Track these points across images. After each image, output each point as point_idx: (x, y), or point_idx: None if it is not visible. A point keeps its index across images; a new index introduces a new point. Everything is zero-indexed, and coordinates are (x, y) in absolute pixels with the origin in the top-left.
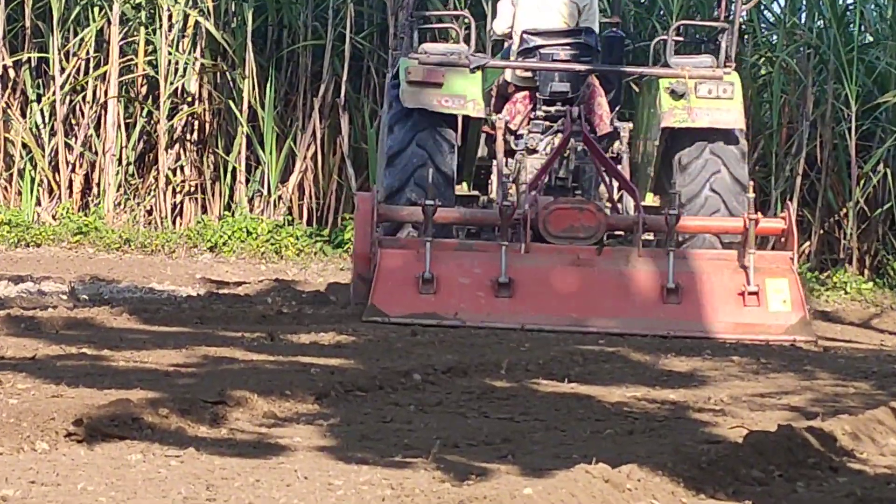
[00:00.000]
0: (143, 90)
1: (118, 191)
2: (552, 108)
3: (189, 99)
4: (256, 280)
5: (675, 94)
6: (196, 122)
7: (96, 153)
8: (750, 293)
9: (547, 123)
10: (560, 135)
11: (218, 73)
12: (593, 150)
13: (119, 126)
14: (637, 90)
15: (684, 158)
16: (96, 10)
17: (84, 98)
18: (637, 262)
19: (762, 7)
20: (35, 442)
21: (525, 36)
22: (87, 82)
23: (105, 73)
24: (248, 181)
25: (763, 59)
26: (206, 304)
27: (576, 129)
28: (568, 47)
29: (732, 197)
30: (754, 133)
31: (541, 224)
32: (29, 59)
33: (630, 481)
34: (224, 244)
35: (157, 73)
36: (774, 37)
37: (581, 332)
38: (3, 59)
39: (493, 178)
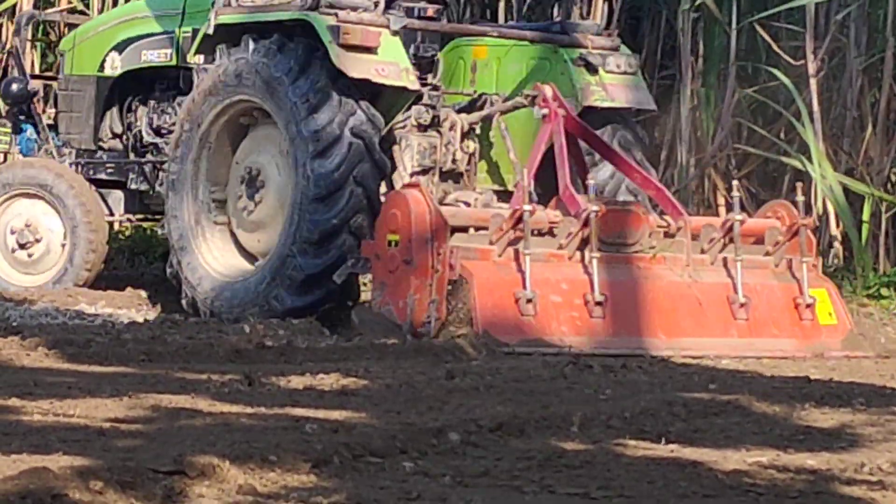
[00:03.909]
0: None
1: None
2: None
3: None
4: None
5: (591, 67)
6: None
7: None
8: (806, 305)
9: None
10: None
11: None
12: (587, 135)
13: None
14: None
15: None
16: None
17: None
18: (702, 274)
19: None
20: None
21: None
22: None
23: (14, 5)
24: None
25: None
26: (158, 333)
27: (561, 112)
28: (432, 2)
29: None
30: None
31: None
32: None
33: None
34: None
35: (88, 7)
36: None
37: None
38: None
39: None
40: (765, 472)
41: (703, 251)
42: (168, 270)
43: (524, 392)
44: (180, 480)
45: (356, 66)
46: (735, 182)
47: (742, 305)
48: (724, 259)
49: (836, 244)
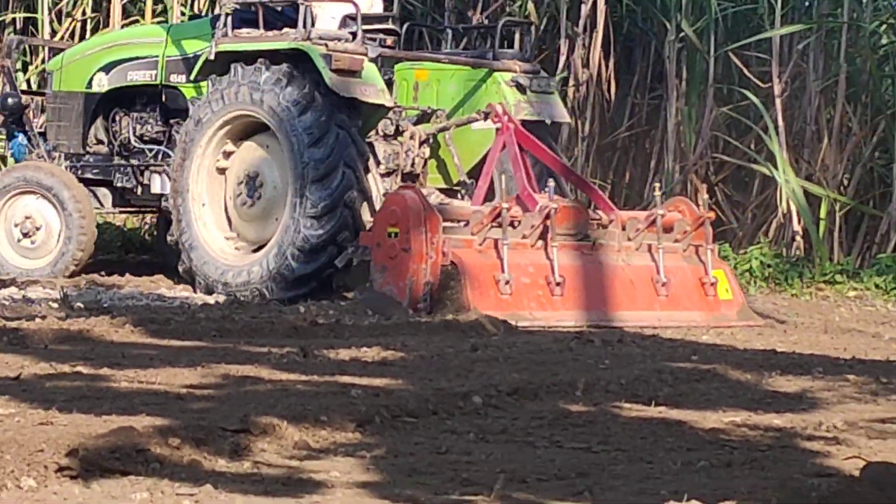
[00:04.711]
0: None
1: None
2: None
3: None
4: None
5: (521, 88)
6: None
7: None
8: (710, 284)
9: None
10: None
11: None
12: (532, 144)
13: None
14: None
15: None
16: None
17: None
18: (632, 258)
19: None
20: (21, 478)
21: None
22: None
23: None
24: None
25: (884, 25)
26: (227, 313)
27: (511, 126)
28: (388, 34)
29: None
30: (873, 113)
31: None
32: (14, 20)
33: None
34: None
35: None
36: None
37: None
38: None
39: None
40: (738, 430)
41: (629, 239)
42: (169, 238)
43: (536, 362)
44: (245, 437)
45: (345, 88)
46: (657, 184)
47: (664, 284)
48: (648, 245)
49: (798, 238)
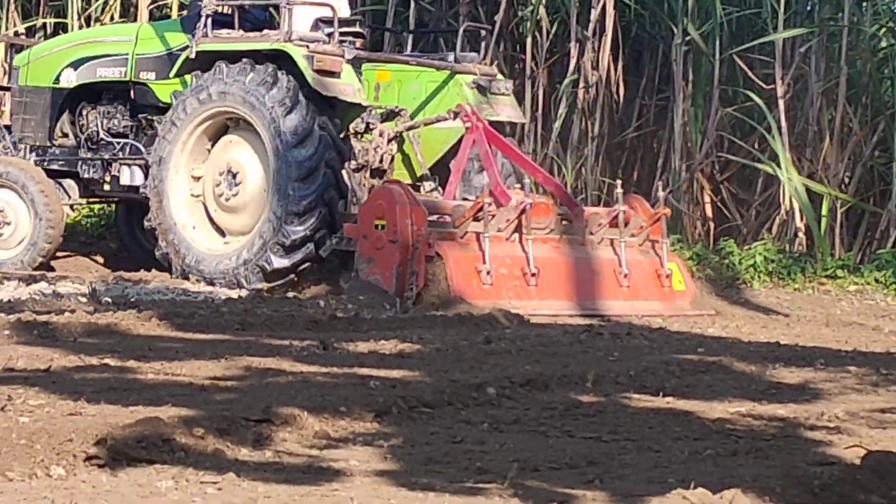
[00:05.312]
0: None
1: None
2: None
3: None
4: (306, 279)
5: (481, 90)
6: None
7: None
8: (666, 276)
9: None
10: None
11: None
12: (499, 143)
13: None
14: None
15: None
16: None
17: None
18: (596, 251)
19: None
20: (50, 466)
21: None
22: None
23: None
24: None
25: (883, 29)
26: (249, 307)
27: (480, 125)
28: (356, 37)
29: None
30: (873, 114)
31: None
32: (44, 24)
33: None
34: None
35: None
36: None
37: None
38: (15, 25)
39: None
40: (743, 420)
41: (591, 233)
42: (146, 224)
43: (548, 354)
44: (267, 427)
45: (326, 87)
46: (619, 181)
47: (625, 276)
48: (611, 240)
49: (801, 234)
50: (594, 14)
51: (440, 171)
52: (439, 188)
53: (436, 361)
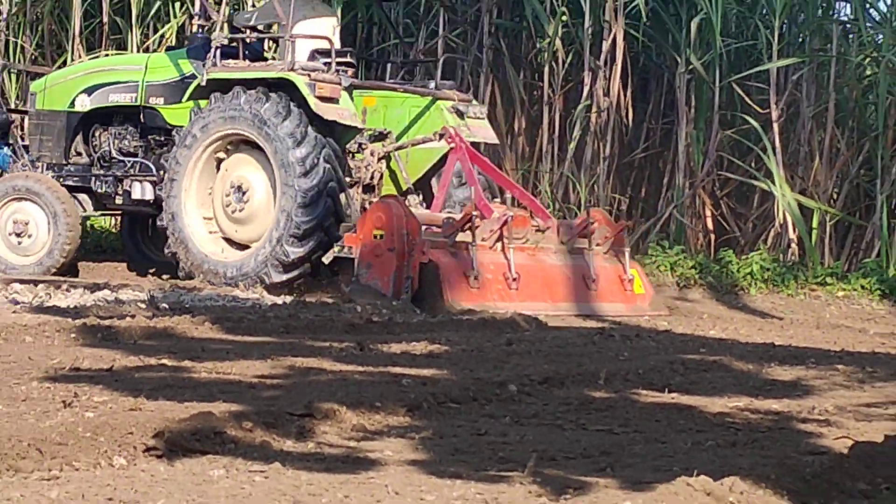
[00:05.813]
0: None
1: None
2: None
3: None
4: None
5: (460, 114)
6: None
7: None
8: (628, 280)
9: None
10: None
11: None
12: (481, 162)
13: None
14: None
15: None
16: (177, 4)
17: None
18: (567, 258)
19: (867, 5)
20: (112, 457)
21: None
22: None
23: None
24: None
25: (868, 59)
26: (293, 312)
27: (464, 146)
28: (348, 66)
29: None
30: (859, 136)
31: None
32: (107, 56)
33: (732, 494)
34: None
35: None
36: (880, 36)
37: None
38: (80, 57)
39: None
40: (741, 414)
41: (562, 242)
42: (167, 251)
43: (564, 354)
44: (309, 421)
45: (327, 112)
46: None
47: (594, 281)
48: (580, 249)
49: (793, 245)
50: (605, 45)
51: (423, 186)
52: (422, 202)
53: (462, 361)
